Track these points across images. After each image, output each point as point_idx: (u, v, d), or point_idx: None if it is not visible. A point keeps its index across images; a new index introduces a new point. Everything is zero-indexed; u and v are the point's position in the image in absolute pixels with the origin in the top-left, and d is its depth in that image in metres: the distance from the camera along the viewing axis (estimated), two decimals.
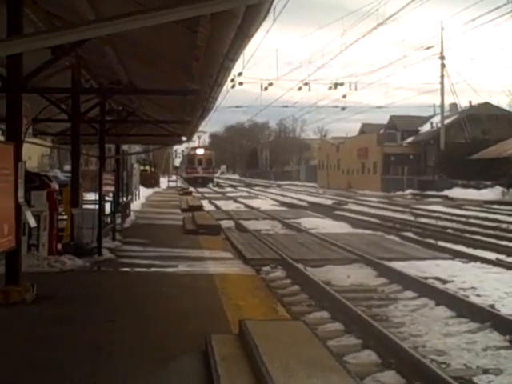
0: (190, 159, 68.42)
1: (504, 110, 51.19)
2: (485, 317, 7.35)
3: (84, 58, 10.76)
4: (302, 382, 3.94)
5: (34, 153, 34.53)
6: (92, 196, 13.93)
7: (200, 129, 23.45)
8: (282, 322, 6.01)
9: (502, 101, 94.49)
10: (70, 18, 7.66)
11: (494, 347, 6.45)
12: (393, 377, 5.60)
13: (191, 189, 48.85)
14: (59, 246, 10.75)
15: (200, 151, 68.20)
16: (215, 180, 70.11)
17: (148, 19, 4.52)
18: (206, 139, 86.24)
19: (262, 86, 50.50)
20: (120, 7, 6.14)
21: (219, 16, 5.08)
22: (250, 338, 4.86)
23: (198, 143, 72.84)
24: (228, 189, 57.48)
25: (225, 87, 9.98)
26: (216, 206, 29.67)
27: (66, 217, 11.99)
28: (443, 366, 5.93)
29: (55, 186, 14.31)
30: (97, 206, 11.38)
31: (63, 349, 5.41)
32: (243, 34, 5.24)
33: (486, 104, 51.27)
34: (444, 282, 10.06)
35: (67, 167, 36.63)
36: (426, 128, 56.73)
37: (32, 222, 8.06)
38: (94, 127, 14.26)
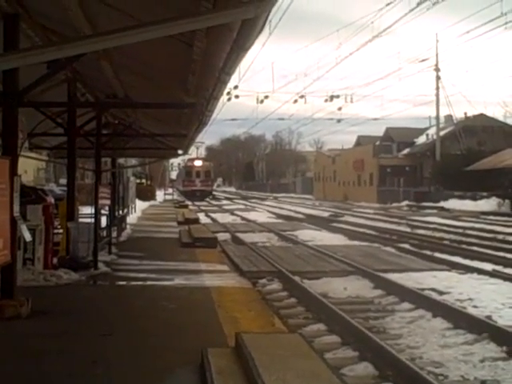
0: (187, 171, 64.97)
1: (499, 121, 51.42)
2: (482, 328, 7.35)
3: (80, 72, 10.80)
4: None
5: (30, 166, 34.52)
6: (88, 209, 13.91)
7: (197, 140, 23.36)
8: (279, 335, 5.99)
9: (496, 112, 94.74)
10: (66, 33, 7.70)
11: (492, 358, 6.44)
12: None
13: (188, 202, 47.55)
14: (55, 260, 10.70)
15: (198, 163, 64.90)
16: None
17: (144, 34, 4.55)
18: (202, 152, 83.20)
19: (257, 99, 50.73)
20: (116, 21, 6.17)
21: (215, 30, 5.11)
22: (246, 351, 4.85)
23: (196, 154, 67.39)
24: (224, 201, 57.47)
25: (221, 100, 10.03)
26: (212, 219, 29.65)
27: (61, 230, 11.97)
28: (441, 377, 5.91)
29: (51, 199, 14.27)
30: (93, 220, 11.37)
31: (59, 363, 5.38)
32: (239, 48, 5.28)
33: (481, 116, 51.53)
34: (441, 293, 10.05)
35: (63, 181, 36.60)
36: (421, 140, 56.95)
37: (27, 236, 8.04)
38: (90, 141, 14.28)
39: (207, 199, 60.08)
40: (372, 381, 5.80)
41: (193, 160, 64.72)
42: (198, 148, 63.71)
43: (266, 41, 20.42)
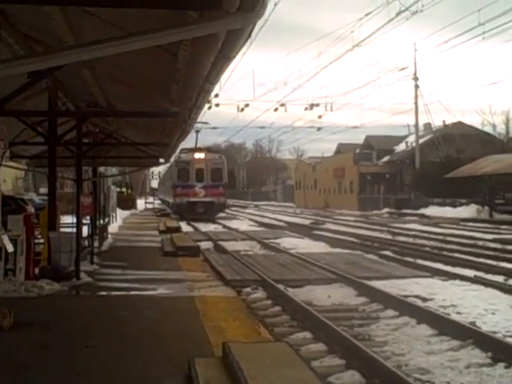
0: (181, 171, 37.96)
1: (477, 129, 52.07)
2: (467, 334, 7.40)
3: (61, 81, 10.72)
4: None
5: (8, 176, 34.11)
6: (68, 219, 13.80)
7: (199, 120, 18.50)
8: (266, 344, 5.98)
9: (474, 120, 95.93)
10: (48, 42, 7.64)
11: (477, 364, 6.48)
12: None
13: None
14: (36, 271, 10.59)
15: (200, 155, 38.20)
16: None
17: (129, 44, 4.52)
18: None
19: (238, 108, 50.59)
20: (100, 31, 6.15)
21: (200, 39, 5.10)
22: (233, 360, 4.82)
23: (196, 141, 41.67)
24: None
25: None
26: (194, 228, 29.54)
27: (42, 240, 11.84)
28: None
29: (31, 209, 14.14)
30: (74, 230, 11.26)
31: (42, 375, 5.31)
32: (224, 57, 5.28)
33: (460, 123, 52.14)
34: (424, 299, 10.10)
35: (43, 190, 36.28)
36: (401, 147, 57.45)
37: (9, 247, 7.94)
38: (70, 150, 14.16)
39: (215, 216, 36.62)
40: None
41: (192, 152, 38.57)
42: (197, 132, 39.29)
43: (247, 50, 20.36)
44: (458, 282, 11.86)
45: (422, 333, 7.91)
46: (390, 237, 23.60)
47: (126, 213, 37.32)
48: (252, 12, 3.92)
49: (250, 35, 4.50)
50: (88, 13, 6.12)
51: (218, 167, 37.99)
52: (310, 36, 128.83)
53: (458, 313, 9.12)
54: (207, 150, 42.33)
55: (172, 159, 29.26)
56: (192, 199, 36.65)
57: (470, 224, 30.00)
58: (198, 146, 41.84)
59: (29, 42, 7.98)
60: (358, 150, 61.30)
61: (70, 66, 7.34)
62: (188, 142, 36.72)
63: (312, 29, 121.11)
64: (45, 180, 17.34)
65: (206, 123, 39.42)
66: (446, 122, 54.11)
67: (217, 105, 45.10)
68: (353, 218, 37.63)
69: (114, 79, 9.66)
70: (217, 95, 41.00)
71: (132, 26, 5.53)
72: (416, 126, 49.93)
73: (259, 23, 4.27)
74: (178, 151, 28.80)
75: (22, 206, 13.14)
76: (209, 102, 41.40)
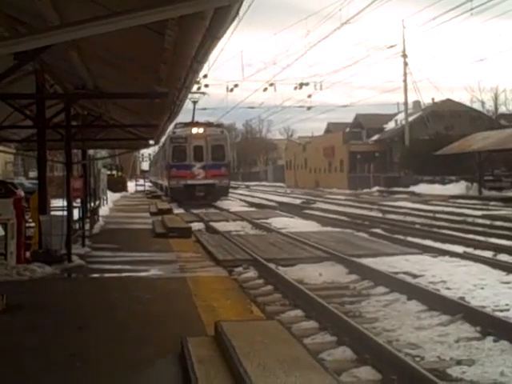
0: (176, 148, 32.50)
1: (466, 106, 52.13)
2: (456, 309, 7.49)
3: (48, 63, 10.61)
4: (281, 381, 3.97)
5: None
6: (58, 202, 13.75)
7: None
8: (258, 322, 6.03)
9: (463, 97, 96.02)
10: (33, 23, 7.55)
11: (466, 339, 6.57)
12: (369, 372, 5.66)
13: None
14: (28, 254, 10.58)
15: (199, 130, 32.67)
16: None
17: (115, 23, 4.48)
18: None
19: (227, 88, 50.28)
20: (85, 11, 6.07)
21: (187, 18, 5.06)
22: (226, 339, 4.87)
23: (193, 115, 36.56)
24: None
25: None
26: (185, 209, 29.55)
27: (33, 224, 11.81)
28: (417, 359, 6.02)
29: (21, 193, 14.08)
30: (65, 213, 11.24)
31: (36, 357, 5.33)
32: (212, 36, 5.25)
33: (448, 101, 52.17)
34: (414, 276, 10.20)
35: (33, 174, 36.12)
36: (390, 126, 57.49)
37: None
38: (59, 133, 14.08)
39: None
40: (351, 364, 5.88)
41: (189, 126, 33.27)
42: (195, 103, 35.74)
43: (235, 29, 20.20)
44: (447, 258, 11.98)
45: (412, 308, 8.01)
46: (380, 215, 23.72)
47: (117, 195, 37.25)
48: None
49: (237, 13, 4.47)
50: None
51: (220, 144, 32.40)
52: (298, 15, 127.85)
53: (448, 288, 9.22)
54: (207, 123, 34.91)
55: (165, 136, 26.28)
56: (190, 182, 31.69)
57: (460, 201, 30.20)
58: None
59: (13, 24, 7.87)
60: (347, 129, 61.32)
61: (57, 47, 7.27)
62: (184, 116, 32.93)
63: (300, 7, 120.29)
64: (34, 164, 17.28)
65: (203, 93, 36.64)
66: (435, 100, 54.23)
67: (206, 85, 44.79)
68: (343, 197, 37.76)
69: (102, 61, 9.57)
70: (205, 76, 40.72)
71: (117, 5, 5.47)
72: (405, 103, 49.96)
73: (247, 1, 4.24)
74: (172, 126, 24.03)
75: (11, 190, 13.09)
76: (198, 82, 41.15)
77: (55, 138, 14.26)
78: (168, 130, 22.94)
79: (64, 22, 6.51)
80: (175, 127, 31.70)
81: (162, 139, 25.64)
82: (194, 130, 32.52)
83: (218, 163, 32.04)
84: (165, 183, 36.73)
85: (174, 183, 32.21)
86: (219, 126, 35.96)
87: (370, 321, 7.51)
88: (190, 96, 29.52)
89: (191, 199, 31.07)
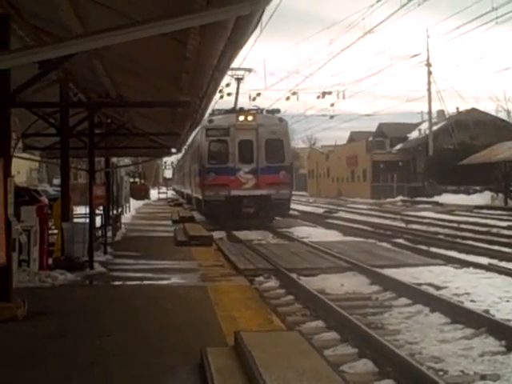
0: (214, 145, 23.07)
1: (491, 115, 51.59)
2: (480, 322, 7.35)
3: (72, 72, 10.73)
4: None
5: (23, 167, 34.36)
6: (82, 209, 13.84)
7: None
8: (278, 333, 5.97)
9: (488, 106, 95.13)
10: (57, 33, 7.63)
11: (491, 353, 6.44)
12: None
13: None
14: (50, 261, 10.66)
15: (247, 118, 23.12)
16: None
17: (137, 32, 4.50)
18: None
19: (250, 97, 50.23)
20: (108, 20, 6.12)
21: (209, 27, 5.06)
22: (246, 349, 4.82)
23: (236, 96, 28.07)
24: None
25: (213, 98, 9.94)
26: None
27: (56, 231, 11.90)
28: (440, 373, 5.91)
29: (45, 200, 14.23)
30: (87, 220, 11.31)
31: (56, 365, 5.34)
32: (233, 45, 5.24)
33: (473, 110, 51.68)
34: (438, 288, 10.05)
35: (56, 181, 36.49)
36: (414, 135, 57.03)
37: (22, 238, 7.99)
38: (82, 141, 14.20)
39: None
40: (372, 377, 5.79)
41: (232, 113, 24.36)
42: (239, 80, 27.74)
43: (257, 39, 19.98)
44: (471, 269, 11.79)
45: (435, 321, 7.87)
46: (403, 225, 23.49)
47: (139, 203, 37.47)
48: None
49: (258, 22, 4.45)
50: (95, 2, 6.10)
51: (278, 138, 22.91)
52: (320, 24, 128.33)
53: (472, 301, 9.06)
54: (257, 110, 24.90)
55: (196, 130, 18.72)
56: (234, 192, 22.34)
57: (484, 211, 29.78)
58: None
59: (38, 34, 7.98)
60: (370, 138, 60.92)
61: (80, 56, 7.34)
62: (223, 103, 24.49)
63: (322, 17, 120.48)
64: (58, 171, 17.42)
65: (250, 70, 27.68)
66: (460, 109, 53.71)
67: (229, 94, 44.90)
68: (366, 207, 37.51)
69: (125, 70, 9.64)
70: (228, 84, 40.83)
71: (139, 14, 5.50)
72: (429, 112, 49.55)
73: (268, 11, 4.23)
74: (207, 115, 17.06)
75: (35, 197, 13.23)
76: (220, 91, 41.13)
77: (79, 145, 14.39)
78: (202, 119, 14.46)
79: (87, 31, 6.56)
80: (212, 114, 23.45)
81: (190, 138, 20.22)
82: (241, 118, 23.03)
83: (275, 165, 22.67)
84: (197, 194, 26.13)
85: (212, 194, 22.65)
86: (275, 111, 25.13)
87: (392, 333, 7.40)
88: (232, 73, 24.55)
89: (236, 217, 22.36)
